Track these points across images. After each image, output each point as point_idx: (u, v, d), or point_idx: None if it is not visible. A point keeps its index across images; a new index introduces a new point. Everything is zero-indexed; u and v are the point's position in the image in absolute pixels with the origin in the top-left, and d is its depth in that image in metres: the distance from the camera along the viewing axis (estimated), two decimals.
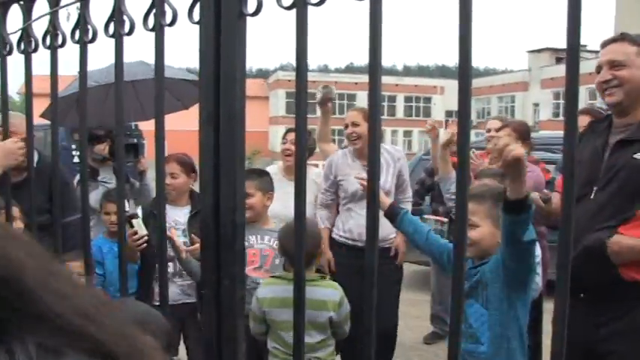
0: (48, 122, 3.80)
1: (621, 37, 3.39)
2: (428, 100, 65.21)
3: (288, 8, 1.68)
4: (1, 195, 3.10)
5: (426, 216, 6.47)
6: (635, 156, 3.19)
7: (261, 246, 4.44)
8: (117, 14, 2.14)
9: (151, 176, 5.77)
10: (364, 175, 1.68)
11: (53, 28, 2.39)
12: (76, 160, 11.74)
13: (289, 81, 55.91)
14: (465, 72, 1.49)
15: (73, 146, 13.07)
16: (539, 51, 57.23)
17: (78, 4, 2.27)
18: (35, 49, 2.52)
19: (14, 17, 2.55)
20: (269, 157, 48.10)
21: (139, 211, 4.41)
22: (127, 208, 4.09)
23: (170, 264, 4.40)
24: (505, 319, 3.04)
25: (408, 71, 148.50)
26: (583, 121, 4.11)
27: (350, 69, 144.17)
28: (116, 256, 3.70)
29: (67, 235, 3.47)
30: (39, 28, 2.47)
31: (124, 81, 2.28)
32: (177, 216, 4.59)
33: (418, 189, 7.04)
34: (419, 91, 65.26)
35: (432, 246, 3.54)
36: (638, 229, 3.13)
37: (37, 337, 0.72)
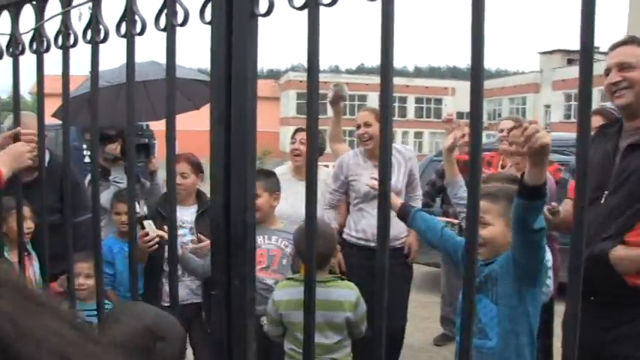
0: (59, 122, 3.82)
1: (630, 40, 3.38)
2: (439, 101, 65.03)
3: (300, 9, 1.68)
4: (12, 195, 3.11)
5: (436, 218, 6.45)
6: None
7: (268, 246, 4.44)
8: (129, 14, 2.15)
9: (161, 176, 5.79)
10: (377, 175, 1.67)
11: (65, 28, 2.39)
12: (87, 160, 11.76)
13: (300, 82, 55.89)
14: (477, 73, 1.48)
15: (84, 146, 13.09)
16: (550, 52, 57.02)
17: (90, 4, 2.27)
18: (47, 49, 2.53)
19: (27, 17, 2.56)
20: (279, 157, 48.08)
21: (145, 209, 4.40)
22: (137, 209, 4.09)
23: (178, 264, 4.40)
24: (515, 315, 3.03)
25: (419, 72, 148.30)
26: (595, 122, 4.08)
27: (361, 70, 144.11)
28: (126, 256, 3.71)
29: (78, 234, 3.49)
30: (51, 28, 2.48)
31: (136, 81, 2.29)
32: (184, 215, 4.58)
33: (429, 190, 7.01)
34: (430, 92, 65.10)
35: (446, 242, 3.53)
36: None
37: None
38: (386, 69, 1.59)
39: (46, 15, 2.48)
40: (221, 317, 1.91)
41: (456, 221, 6.10)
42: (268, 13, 1.77)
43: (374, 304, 1.66)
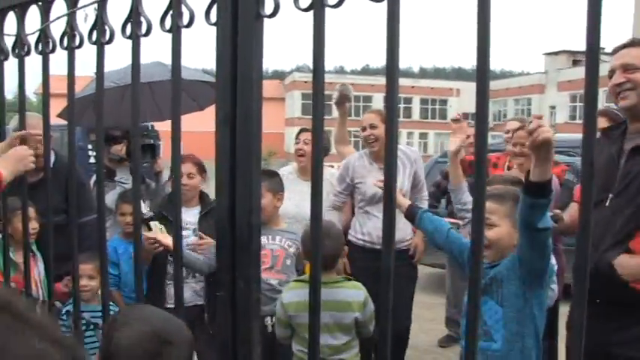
0: (64, 122, 3.82)
1: (634, 42, 3.38)
2: (444, 102, 65.03)
3: (306, 10, 1.68)
4: (17, 195, 3.12)
5: (443, 219, 6.44)
6: None
7: (272, 246, 4.44)
8: (134, 15, 2.15)
9: (167, 176, 5.79)
10: (382, 178, 1.67)
11: (71, 29, 2.40)
12: (92, 160, 11.77)
13: (305, 82, 55.93)
14: (482, 74, 1.48)
15: (90, 146, 13.10)
16: (556, 53, 56.98)
17: (95, 6, 2.27)
18: (53, 50, 2.53)
19: (32, 18, 2.56)
20: (284, 158, 48.10)
21: (147, 210, 4.39)
22: (143, 209, 4.09)
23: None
24: (520, 317, 3.02)
25: (424, 73, 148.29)
26: (600, 123, 4.07)
27: (366, 71, 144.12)
28: (131, 257, 3.71)
29: (83, 235, 3.49)
30: (57, 29, 2.49)
31: (141, 82, 2.29)
32: (188, 217, 4.58)
33: (434, 191, 6.99)
34: (435, 93, 65.10)
35: (452, 244, 3.53)
36: None
37: None
38: (392, 70, 1.58)
39: (52, 16, 2.48)
40: (226, 319, 1.91)
41: (461, 222, 6.10)
42: (274, 14, 1.77)
43: (379, 306, 1.66)
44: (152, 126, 11.37)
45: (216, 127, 1.88)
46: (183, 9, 2.01)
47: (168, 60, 2.15)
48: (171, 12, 2.03)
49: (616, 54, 3.38)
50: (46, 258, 3.36)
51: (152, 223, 4.15)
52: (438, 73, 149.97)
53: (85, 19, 2.36)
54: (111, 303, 3.02)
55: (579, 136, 1.40)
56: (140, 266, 2.51)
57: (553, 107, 54.13)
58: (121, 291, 4.67)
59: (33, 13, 2.56)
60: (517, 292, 3.01)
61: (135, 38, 2.18)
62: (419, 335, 6.82)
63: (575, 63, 52.46)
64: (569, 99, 51.23)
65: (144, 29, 2.15)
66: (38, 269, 4.06)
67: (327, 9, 1.67)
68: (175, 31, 2.04)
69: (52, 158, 3.85)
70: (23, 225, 2.96)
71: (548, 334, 4.32)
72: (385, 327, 1.66)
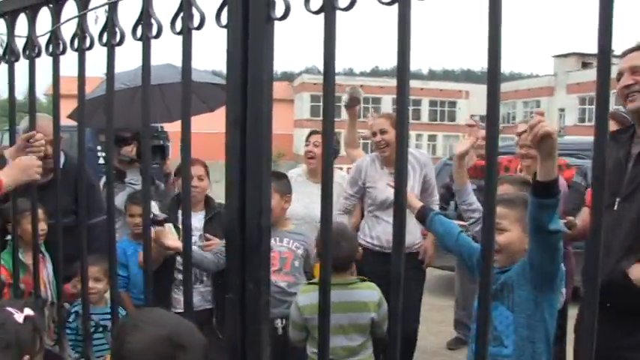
0: (74, 123, 3.82)
1: None
2: (453, 104, 64.92)
3: (316, 12, 1.68)
4: (26, 197, 3.13)
5: (453, 221, 6.42)
6: None
7: (280, 248, 4.44)
8: (145, 17, 2.15)
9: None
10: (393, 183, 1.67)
11: (81, 31, 2.40)
12: (101, 161, 11.79)
13: (314, 84, 55.96)
14: (493, 76, 1.48)
15: (99, 148, 13.14)
16: (565, 56, 56.86)
17: (106, 7, 2.28)
18: (63, 52, 2.54)
19: (43, 20, 2.57)
20: (293, 160, 48.11)
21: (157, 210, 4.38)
22: (155, 211, 4.09)
23: None
24: (531, 322, 3.00)
25: (433, 75, 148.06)
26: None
27: (375, 72, 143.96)
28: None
29: (93, 236, 3.49)
30: (67, 30, 2.49)
31: (151, 84, 2.29)
32: (193, 222, 4.56)
33: (443, 193, 6.97)
34: (444, 95, 64.99)
35: (462, 247, 3.52)
36: None
37: None
38: (402, 71, 1.58)
39: (63, 18, 2.49)
40: (235, 321, 1.91)
41: (467, 223, 6.08)
42: (285, 16, 1.76)
43: (388, 310, 1.65)
44: (162, 127, 11.40)
45: (226, 129, 1.88)
46: (194, 11, 2.01)
47: (178, 62, 2.15)
48: (181, 14, 2.03)
49: (625, 57, 3.37)
50: (55, 259, 3.36)
51: (166, 225, 4.13)
52: (447, 75, 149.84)
53: (96, 21, 2.38)
54: None
55: (588, 138, 1.39)
56: (150, 267, 2.51)
57: (562, 110, 53.98)
58: (130, 292, 4.67)
59: (44, 15, 2.57)
60: (528, 297, 2.99)
61: (145, 40, 2.18)
62: (427, 337, 6.81)
63: (585, 65, 52.35)
64: (579, 101, 51.07)
65: (154, 31, 2.15)
66: (47, 270, 4.07)
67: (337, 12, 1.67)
68: (186, 33, 2.04)
69: (62, 159, 3.86)
70: (33, 226, 2.96)
71: (557, 337, 4.31)
72: (395, 332, 1.66)
